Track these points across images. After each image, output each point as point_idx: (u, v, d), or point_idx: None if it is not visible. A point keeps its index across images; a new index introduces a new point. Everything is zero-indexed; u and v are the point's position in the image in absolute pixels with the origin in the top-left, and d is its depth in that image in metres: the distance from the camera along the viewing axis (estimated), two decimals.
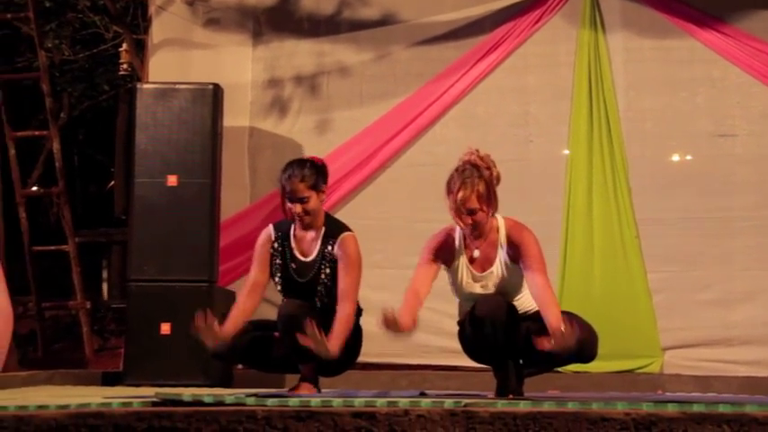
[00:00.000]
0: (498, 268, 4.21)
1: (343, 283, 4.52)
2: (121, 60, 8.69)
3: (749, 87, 6.89)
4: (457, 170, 4.20)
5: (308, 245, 4.62)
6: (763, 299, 6.69)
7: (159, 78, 7.20)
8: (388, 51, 7.45)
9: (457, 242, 4.27)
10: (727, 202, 6.82)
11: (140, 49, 8.36)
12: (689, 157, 7.03)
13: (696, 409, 3.16)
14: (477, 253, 4.22)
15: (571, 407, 3.31)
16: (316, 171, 4.57)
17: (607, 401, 3.51)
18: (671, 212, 6.87)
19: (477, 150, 4.25)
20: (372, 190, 7.32)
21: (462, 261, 4.26)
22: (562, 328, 3.88)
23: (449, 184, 4.19)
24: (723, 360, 6.67)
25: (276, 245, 4.64)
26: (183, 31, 7.61)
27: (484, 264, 4.24)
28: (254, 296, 4.61)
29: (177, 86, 6.74)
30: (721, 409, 3.16)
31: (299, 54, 7.55)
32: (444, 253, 4.27)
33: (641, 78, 7.07)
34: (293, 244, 4.62)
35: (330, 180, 7.18)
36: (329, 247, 4.58)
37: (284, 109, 7.53)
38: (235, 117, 7.25)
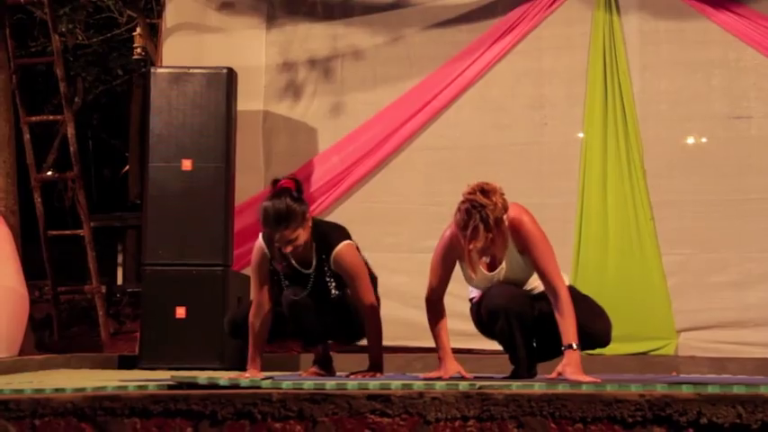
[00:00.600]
0: (508, 263, 4.20)
1: (355, 295, 4.52)
2: (135, 45, 8.68)
3: (765, 69, 6.84)
4: (459, 210, 4.03)
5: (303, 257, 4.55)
6: None
7: (173, 62, 7.20)
8: (402, 35, 7.43)
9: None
10: (743, 183, 6.79)
11: (154, 33, 8.37)
12: (704, 140, 7.00)
13: (711, 390, 3.16)
14: (486, 259, 4.22)
15: (585, 389, 3.31)
16: (295, 207, 4.37)
17: (621, 383, 3.51)
18: (686, 195, 6.85)
19: (478, 187, 4.05)
20: (386, 173, 7.32)
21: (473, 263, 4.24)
22: (564, 372, 3.87)
23: (457, 224, 4.03)
24: (738, 342, 6.65)
25: (273, 262, 4.56)
26: (196, 15, 7.60)
27: (493, 262, 4.24)
28: (262, 316, 4.54)
29: (191, 70, 6.74)
30: (736, 390, 3.16)
31: (313, 38, 7.54)
32: (453, 254, 4.23)
33: (656, 60, 7.03)
34: (292, 261, 4.55)
35: (344, 165, 7.30)
36: (324, 263, 4.52)
37: (298, 93, 7.53)
38: (249, 101, 7.25)
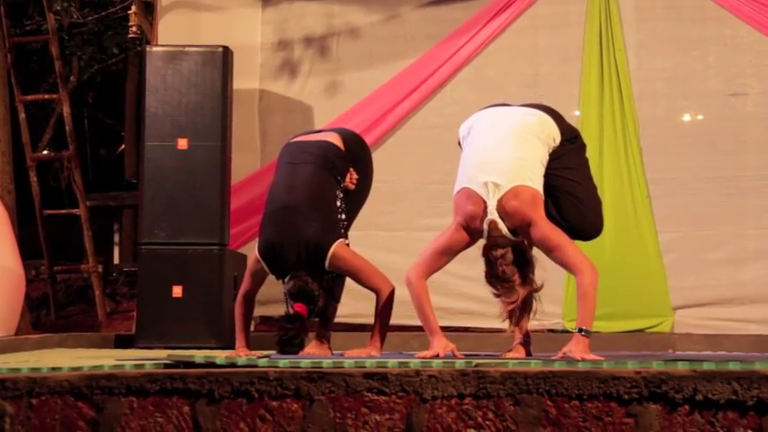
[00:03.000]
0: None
1: (365, 286, 4.62)
2: (130, 23, 8.64)
3: (761, 46, 6.83)
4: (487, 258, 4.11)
5: None
6: None
7: (169, 41, 7.17)
8: (398, 12, 7.40)
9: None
10: (739, 161, 6.80)
11: (149, 11, 8.32)
12: (700, 117, 7.00)
13: (706, 367, 3.17)
14: None
15: (582, 366, 3.32)
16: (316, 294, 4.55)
17: (617, 360, 3.52)
18: (682, 172, 6.85)
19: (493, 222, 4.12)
20: (383, 152, 7.30)
21: None
22: (569, 352, 3.90)
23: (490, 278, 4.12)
24: (733, 319, 6.67)
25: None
26: None
27: None
28: (248, 305, 4.80)
29: (187, 49, 6.71)
30: (731, 366, 3.18)
31: (309, 16, 7.51)
32: (456, 249, 4.27)
33: (652, 38, 7.01)
34: None
35: None
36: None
37: (294, 71, 7.51)
38: (244, 80, 7.23)
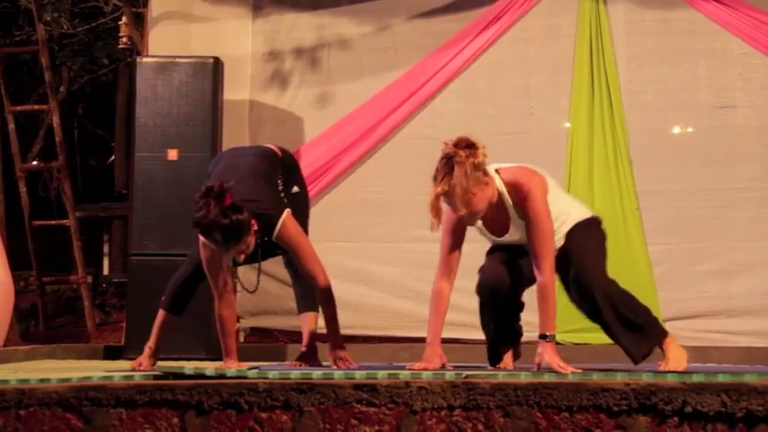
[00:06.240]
0: (515, 229, 4.14)
1: (303, 267, 4.46)
2: (121, 34, 8.64)
3: (750, 59, 6.86)
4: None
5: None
6: (763, 270, 6.69)
7: (159, 52, 7.17)
8: (389, 24, 7.42)
9: None
10: (728, 173, 6.81)
11: (140, 22, 8.33)
12: (690, 129, 7.01)
13: (696, 379, 3.18)
14: (480, 223, 4.17)
15: (572, 378, 3.32)
16: (242, 219, 4.18)
17: (607, 372, 3.52)
18: (672, 184, 6.86)
19: (455, 139, 3.98)
20: (373, 163, 7.32)
21: (478, 226, 4.21)
22: (542, 361, 3.86)
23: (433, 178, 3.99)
24: (723, 331, 6.68)
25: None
26: (182, 4, 7.57)
27: (500, 229, 4.17)
28: (228, 305, 4.54)
29: (177, 60, 6.72)
30: (720, 378, 3.18)
31: (300, 27, 7.53)
32: (458, 224, 4.14)
33: (642, 50, 7.04)
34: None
35: (331, 154, 7.29)
36: (268, 240, 4.42)
37: (285, 82, 7.52)
38: (235, 90, 7.23)
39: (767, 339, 6.58)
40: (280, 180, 4.66)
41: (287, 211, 4.41)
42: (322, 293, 4.46)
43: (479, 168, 3.92)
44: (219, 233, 4.15)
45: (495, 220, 4.14)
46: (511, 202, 4.07)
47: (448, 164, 3.92)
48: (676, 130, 7.05)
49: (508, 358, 4.39)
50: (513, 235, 4.15)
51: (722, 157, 6.84)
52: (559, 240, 4.12)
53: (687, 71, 6.97)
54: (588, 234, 4.19)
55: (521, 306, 4.37)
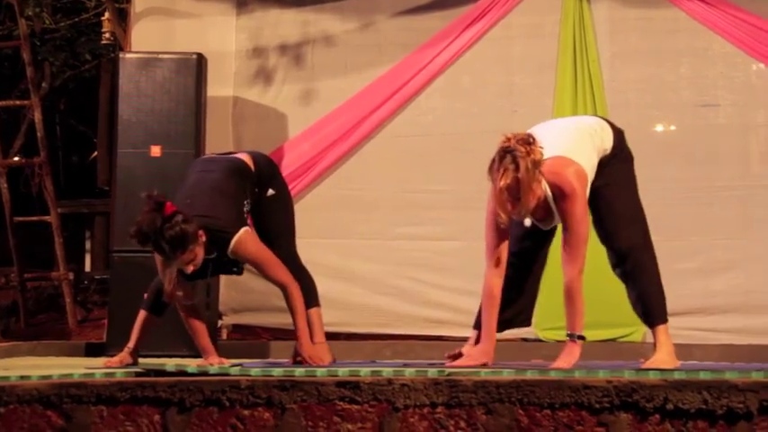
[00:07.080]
0: (556, 220, 4.17)
1: (269, 279, 4.54)
2: (104, 29, 8.60)
3: (733, 58, 6.89)
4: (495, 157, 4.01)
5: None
6: (744, 268, 6.73)
7: (142, 48, 7.14)
8: (373, 21, 7.41)
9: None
10: (710, 171, 6.84)
11: (123, 17, 8.29)
12: (672, 128, 7.04)
13: (677, 376, 3.19)
14: (528, 222, 4.12)
15: (554, 375, 3.33)
16: (187, 228, 4.23)
17: (589, 369, 3.53)
18: (654, 182, 6.83)
19: (513, 135, 4.00)
20: (357, 160, 7.31)
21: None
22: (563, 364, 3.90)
23: (489, 170, 4.00)
24: (704, 328, 6.70)
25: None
26: (166, 0, 7.55)
27: (546, 219, 4.19)
28: (193, 308, 4.68)
29: (160, 56, 6.69)
30: (701, 376, 3.19)
31: (284, 23, 7.51)
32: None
33: (626, 49, 7.06)
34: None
35: (315, 150, 7.28)
36: (224, 255, 4.47)
37: (269, 79, 7.50)
38: (219, 87, 7.21)
39: (748, 337, 6.62)
40: (247, 197, 4.66)
41: (244, 229, 4.45)
42: (291, 297, 4.50)
43: (537, 166, 3.95)
44: (163, 241, 4.20)
45: (535, 212, 4.12)
46: (552, 197, 4.08)
47: (509, 158, 3.92)
48: (659, 128, 7.07)
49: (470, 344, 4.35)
50: (556, 221, 4.20)
51: (704, 156, 6.87)
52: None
53: (670, 70, 7.00)
54: (623, 173, 4.48)
55: (532, 296, 4.42)
